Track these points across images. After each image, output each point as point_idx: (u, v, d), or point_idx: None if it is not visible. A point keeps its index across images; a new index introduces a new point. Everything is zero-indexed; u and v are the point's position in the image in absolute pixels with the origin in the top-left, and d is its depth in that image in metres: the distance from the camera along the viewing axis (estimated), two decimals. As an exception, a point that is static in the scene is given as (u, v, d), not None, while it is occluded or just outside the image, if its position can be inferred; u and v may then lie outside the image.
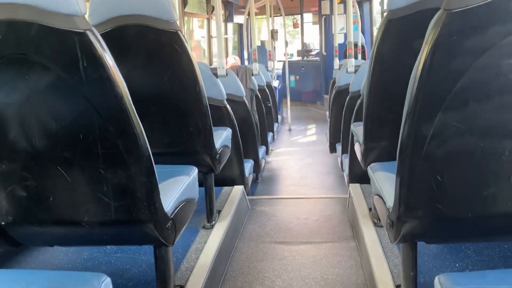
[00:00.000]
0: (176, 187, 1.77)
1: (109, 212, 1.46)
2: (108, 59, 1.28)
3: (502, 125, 1.30)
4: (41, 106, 1.33)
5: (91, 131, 1.35)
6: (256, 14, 9.68)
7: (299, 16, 10.88)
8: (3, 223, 1.50)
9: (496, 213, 1.39)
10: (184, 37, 2.17)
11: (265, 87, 6.19)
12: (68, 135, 1.36)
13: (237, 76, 4.60)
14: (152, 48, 2.15)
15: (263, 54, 9.55)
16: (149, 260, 2.20)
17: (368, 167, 2.07)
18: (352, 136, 2.90)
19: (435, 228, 1.48)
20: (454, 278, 1.06)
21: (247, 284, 2.27)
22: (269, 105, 6.18)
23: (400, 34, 2.08)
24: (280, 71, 10.24)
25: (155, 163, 1.50)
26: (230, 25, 9.34)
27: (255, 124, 4.29)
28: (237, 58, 6.61)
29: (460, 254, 2.11)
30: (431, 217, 1.44)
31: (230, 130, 2.97)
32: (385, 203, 1.66)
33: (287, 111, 8.52)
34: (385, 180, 1.80)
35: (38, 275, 1.16)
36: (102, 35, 1.34)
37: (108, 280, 1.14)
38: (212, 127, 2.40)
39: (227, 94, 3.31)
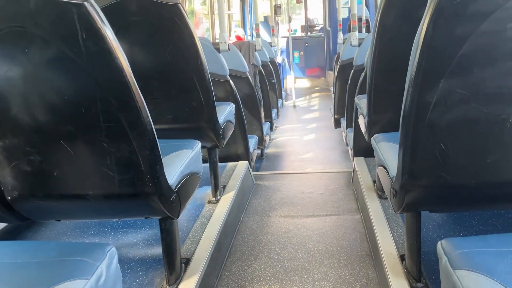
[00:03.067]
0: (180, 161, 1.78)
1: (113, 185, 1.47)
2: (108, 31, 1.27)
3: (507, 91, 1.28)
4: (42, 80, 1.33)
5: (93, 104, 1.35)
6: (259, -11, 9.55)
7: (302, -10, 10.72)
8: (9, 198, 1.51)
9: (500, 180, 1.39)
10: (185, 10, 2.15)
11: (269, 63, 6.15)
12: (70, 108, 1.36)
13: (240, 51, 4.57)
14: (153, 22, 2.13)
15: (266, 29, 9.46)
16: (155, 233, 2.22)
17: (372, 138, 2.06)
18: (356, 109, 2.88)
19: (438, 196, 1.48)
20: (456, 243, 1.07)
21: (253, 257, 2.30)
22: (273, 81, 6.16)
23: (402, 3, 2.05)
24: (284, 47, 10.16)
25: (159, 138, 1.50)
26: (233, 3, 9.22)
27: (258, 100, 4.28)
28: (241, 30, 6.53)
29: (465, 223, 2.11)
30: (434, 185, 1.43)
31: (234, 105, 2.96)
32: (388, 173, 1.66)
33: (292, 87, 8.48)
34: (388, 150, 1.80)
35: (44, 246, 1.18)
36: (102, 9, 1.33)
37: (113, 250, 1.15)
38: (215, 102, 2.39)
39: (230, 69, 3.30)
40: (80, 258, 1.09)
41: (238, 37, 5.99)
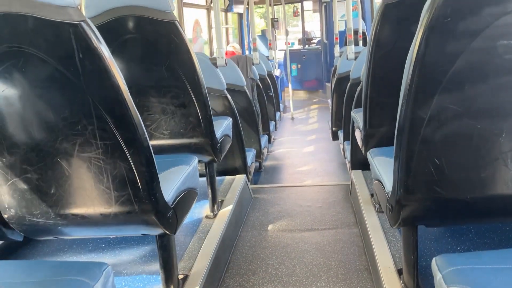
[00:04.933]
0: (177, 177, 1.78)
1: (110, 203, 1.48)
2: (104, 50, 1.29)
3: (499, 106, 1.30)
4: (39, 99, 1.34)
5: (90, 122, 1.36)
6: (256, 3, 9.65)
7: (299, 4, 10.82)
8: (6, 216, 1.52)
9: (494, 194, 1.39)
10: (181, 27, 2.17)
11: (266, 76, 6.19)
12: (67, 126, 1.37)
13: (238, 65, 4.60)
14: (150, 39, 2.15)
15: (264, 43, 9.53)
16: (153, 250, 2.22)
17: (368, 153, 2.07)
18: (353, 122, 2.90)
19: (434, 211, 1.49)
20: (451, 259, 1.07)
21: (251, 272, 2.29)
22: (271, 94, 6.19)
23: (397, 18, 2.07)
24: (281, 60, 10.22)
25: (156, 154, 1.51)
26: (230, 16, 9.31)
27: (256, 113, 4.30)
28: (237, 46, 6.58)
29: (462, 237, 2.11)
30: (429, 200, 1.44)
31: (231, 119, 2.98)
32: (384, 187, 1.66)
33: (289, 100, 8.52)
34: (384, 164, 1.80)
35: (41, 265, 1.18)
36: (99, 27, 1.35)
37: (109, 268, 1.15)
38: (213, 117, 2.41)
39: (227, 83, 3.32)
40: (76, 278, 1.09)
41: (232, 52, 6.05)
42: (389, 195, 1.57)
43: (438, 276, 1.04)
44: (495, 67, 1.24)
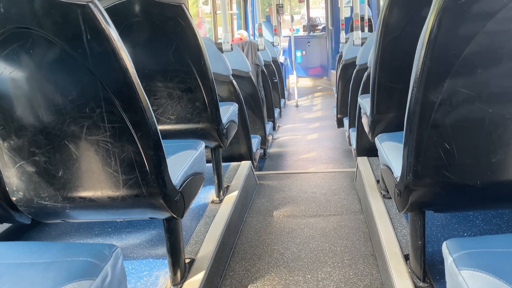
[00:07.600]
0: (184, 161, 1.78)
1: (118, 186, 1.48)
2: (112, 32, 1.27)
3: (511, 91, 1.28)
4: (46, 81, 1.33)
5: (98, 105, 1.35)
6: (261, -12, 9.56)
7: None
8: (14, 198, 1.52)
9: (504, 180, 1.38)
10: (188, 10, 2.15)
11: (271, 63, 6.16)
12: (75, 109, 1.36)
13: (243, 51, 4.58)
14: (156, 22, 2.13)
15: (269, 29, 9.48)
16: (159, 233, 2.23)
17: (376, 138, 2.06)
18: (360, 109, 2.88)
19: (442, 196, 1.48)
20: (462, 242, 1.07)
21: (257, 256, 2.30)
22: (276, 80, 6.16)
23: (406, 2, 2.05)
24: (286, 47, 10.18)
25: (163, 139, 1.50)
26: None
27: (261, 100, 4.28)
28: (244, 33, 6.55)
29: (469, 223, 2.11)
30: (438, 185, 1.43)
31: (237, 105, 2.96)
32: (392, 173, 1.66)
33: (294, 87, 8.49)
34: (392, 150, 1.79)
35: (50, 246, 1.19)
36: (106, 10, 1.33)
37: (118, 250, 1.15)
38: (219, 102, 2.40)
39: (232, 69, 3.30)
40: (86, 259, 1.09)
41: (240, 39, 6.02)
42: (398, 180, 1.57)
43: (449, 260, 1.04)
44: (509, 51, 1.22)
